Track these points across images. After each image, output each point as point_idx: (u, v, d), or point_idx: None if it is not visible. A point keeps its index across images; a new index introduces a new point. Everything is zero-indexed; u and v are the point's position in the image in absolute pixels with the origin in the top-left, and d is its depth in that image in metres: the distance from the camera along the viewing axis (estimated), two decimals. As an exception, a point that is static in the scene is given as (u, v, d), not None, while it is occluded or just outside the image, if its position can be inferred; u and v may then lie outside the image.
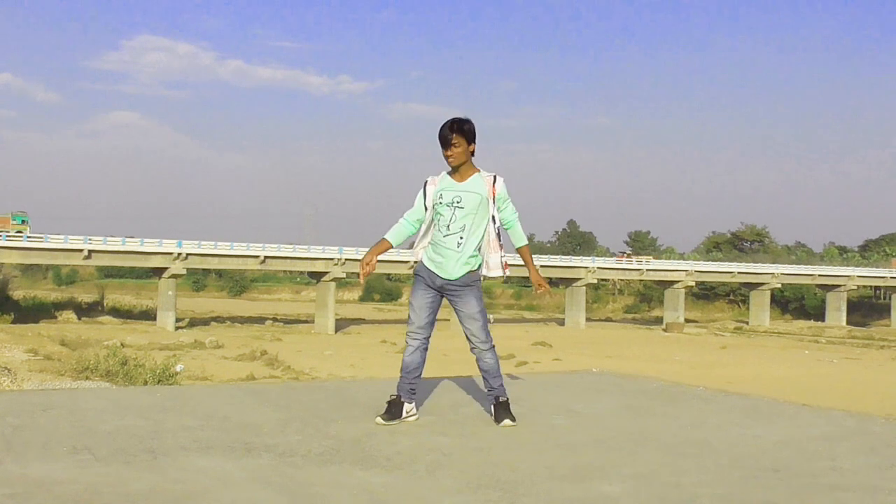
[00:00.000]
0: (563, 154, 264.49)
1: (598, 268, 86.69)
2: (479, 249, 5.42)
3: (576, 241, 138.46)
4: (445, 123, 5.32)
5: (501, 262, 5.46)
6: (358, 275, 5.59)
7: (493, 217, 5.39)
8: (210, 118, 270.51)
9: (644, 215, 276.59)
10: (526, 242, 5.63)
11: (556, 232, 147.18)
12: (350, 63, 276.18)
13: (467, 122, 5.33)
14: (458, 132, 5.28)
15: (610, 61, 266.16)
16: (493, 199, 5.38)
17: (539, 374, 7.83)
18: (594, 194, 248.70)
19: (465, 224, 5.34)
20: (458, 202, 5.33)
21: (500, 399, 5.49)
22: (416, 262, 5.58)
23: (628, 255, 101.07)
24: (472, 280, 5.42)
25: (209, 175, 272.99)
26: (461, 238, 5.35)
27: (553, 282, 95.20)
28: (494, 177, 5.42)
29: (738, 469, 4.29)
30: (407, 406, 5.48)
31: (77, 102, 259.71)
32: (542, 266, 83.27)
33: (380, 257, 5.48)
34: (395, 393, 5.49)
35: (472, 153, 5.39)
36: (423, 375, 5.63)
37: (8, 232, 67.25)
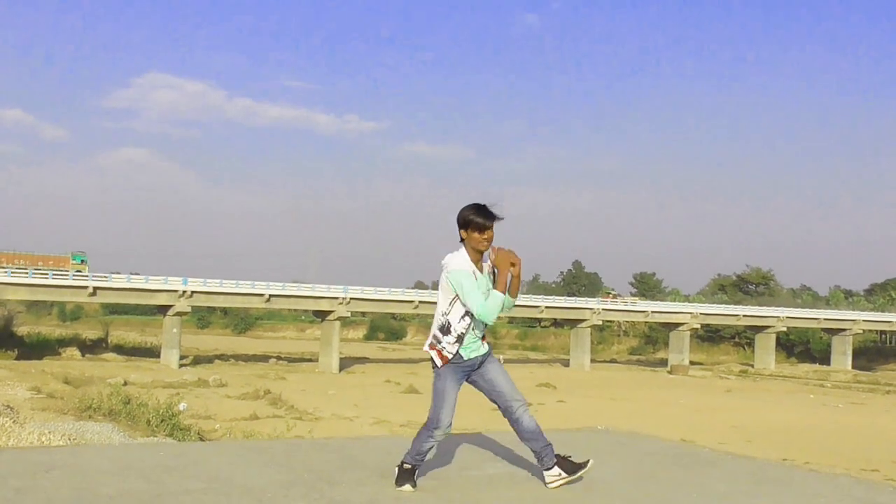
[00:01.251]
0: (569, 195, 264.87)
1: (604, 309, 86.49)
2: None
3: (581, 282, 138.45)
4: (481, 206, 5.21)
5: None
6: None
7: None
8: (218, 156, 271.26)
9: (649, 257, 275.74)
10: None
11: (562, 273, 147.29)
12: (358, 103, 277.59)
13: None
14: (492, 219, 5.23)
15: (618, 103, 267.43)
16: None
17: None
18: (600, 235, 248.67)
19: None
20: (488, 290, 5.30)
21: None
22: (447, 355, 5.31)
23: (614, 296, 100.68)
24: (489, 348, 5.58)
25: (216, 213, 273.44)
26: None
27: (558, 323, 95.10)
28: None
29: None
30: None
31: (85, 139, 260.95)
32: (547, 307, 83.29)
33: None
34: (410, 463, 5.44)
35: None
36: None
37: (69, 272, 68.59)
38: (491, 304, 5.14)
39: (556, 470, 5.44)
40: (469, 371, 5.39)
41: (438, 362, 5.28)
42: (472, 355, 5.33)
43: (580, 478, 5.40)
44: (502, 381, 5.50)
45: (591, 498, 5.31)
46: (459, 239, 5.26)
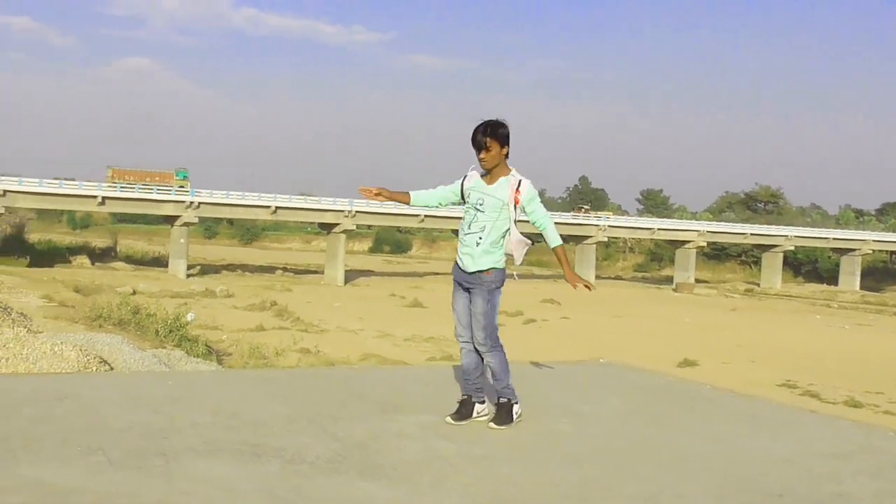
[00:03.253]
0: (576, 109, 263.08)
1: (610, 226, 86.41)
2: (496, 252, 5.49)
3: (587, 197, 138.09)
4: (479, 127, 5.38)
5: (522, 246, 5.60)
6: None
7: (514, 221, 5.49)
8: (222, 66, 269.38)
9: (657, 173, 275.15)
10: (560, 243, 5.71)
11: (568, 188, 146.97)
12: (365, 13, 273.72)
13: (502, 125, 5.41)
14: (491, 136, 5.36)
15: (624, 13, 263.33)
16: (515, 204, 5.45)
17: (545, 366, 7.86)
18: (607, 151, 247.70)
19: (484, 226, 5.45)
20: (479, 204, 5.46)
21: (501, 400, 5.57)
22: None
23: (586, 210, 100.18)
24: (483, 280, 5.47)
25: (221, 123, 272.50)
26: (480, 238, 5.46)
27: (563, 238, 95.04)
28: (520, 181, 5.47)
29: (742, 492, 4.33)
30: (479, 407, 5.65)
31: (93, 47, 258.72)
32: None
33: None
34: (465, 393, 5.65)
35: (507, 156, 5.48)
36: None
37: (172, 187, 69.75)
38: (430, 190, 5.69)
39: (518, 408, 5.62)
40: (462, 283, 5.57)
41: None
42: (458, 265, 5.58)
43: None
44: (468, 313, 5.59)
45: (588, 435, 5.41)
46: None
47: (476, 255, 5.46)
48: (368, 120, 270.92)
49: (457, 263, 5.57)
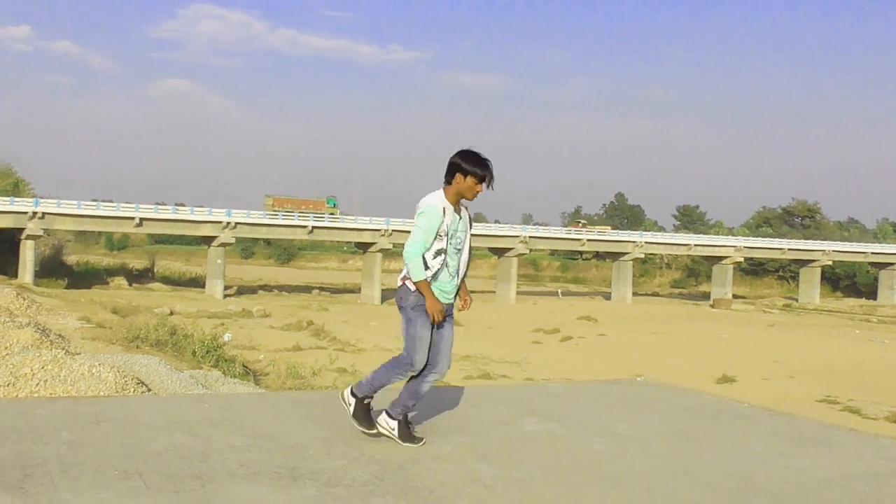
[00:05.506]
0: (612, 125, 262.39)
1: (646, 242, 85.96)
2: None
3: (624, 214, 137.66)
4: (483, 159, 5.30)
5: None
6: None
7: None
8: (261, 86, 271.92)
9: (693, 189, 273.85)
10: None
11: (604, 205, 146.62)
12: (401, 32, 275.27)
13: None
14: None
15: (660, 31, 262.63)
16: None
17: (582, 385, 7.81)
18: (644, 167, 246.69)
19: (460, 267, 5.48)
20: (459, 248, 5.42)
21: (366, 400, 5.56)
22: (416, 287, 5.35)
23: (583, 225, 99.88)
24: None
25: (259, 144, 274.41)
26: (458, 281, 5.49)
27: (600, 255, 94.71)
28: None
29: (780, 513, 4.27)
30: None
31: (132, 70, 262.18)
32: (588, 240, 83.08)
33: None
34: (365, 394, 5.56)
35: None
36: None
37: (324, 215, 72.56)
38: (416, 262, 5.26)
39: (393, 424, 5.46)
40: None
41: (411, 287, 5.32)
42: (442, 299, 5.37)
43: (400, 443, 5.41)
44: (446, 343, 5.50)
45: (627, 456, 5.36)
46: (445, 180, 5.33)
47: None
48: (407, 136, 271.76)
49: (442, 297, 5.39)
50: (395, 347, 37.64)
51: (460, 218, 5.38)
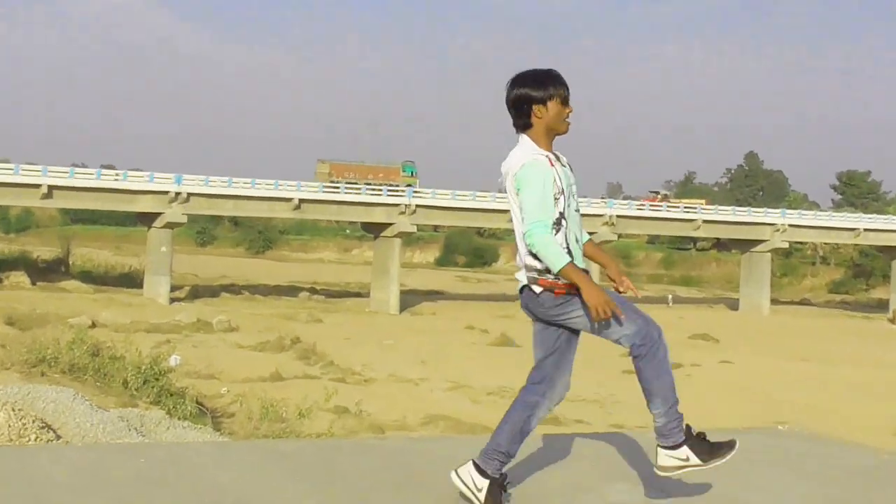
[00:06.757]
0: (739, 60, 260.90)
1: (791, 225, 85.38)
2: None
3: (757, 183, 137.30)
4: (553, 71, 5.43)
5: None
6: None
7: None
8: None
9: (859, 149, 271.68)
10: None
11: (729, 170, 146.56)
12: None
13: None
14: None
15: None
16: None
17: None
18: (786, 119, 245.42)
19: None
20: (579, 208, 5.53)
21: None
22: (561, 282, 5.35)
23: (663, 198, 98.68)
24: None
25: (224, 81, 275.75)
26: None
27: (722, 244, 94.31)
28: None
29: None
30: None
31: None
32: (705, 221, 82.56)
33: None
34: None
35: None
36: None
37: (398, 185, 74.21)
38: (549, 242, 5.20)
39: (483, 483, 5.43)
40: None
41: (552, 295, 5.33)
42: None
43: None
44: (573, 358, 5.60)
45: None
46: (520, 126, 5.42)
47: None
48: (441, 68, 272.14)
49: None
50: (419, 377, 37.85)
51: (564, 166, 5.43)
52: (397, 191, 74.58)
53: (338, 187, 73.34)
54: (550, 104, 5.30)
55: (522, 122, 5.34)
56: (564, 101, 5.36)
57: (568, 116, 5.40)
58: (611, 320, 5.24)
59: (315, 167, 78.71)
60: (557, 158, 5.38)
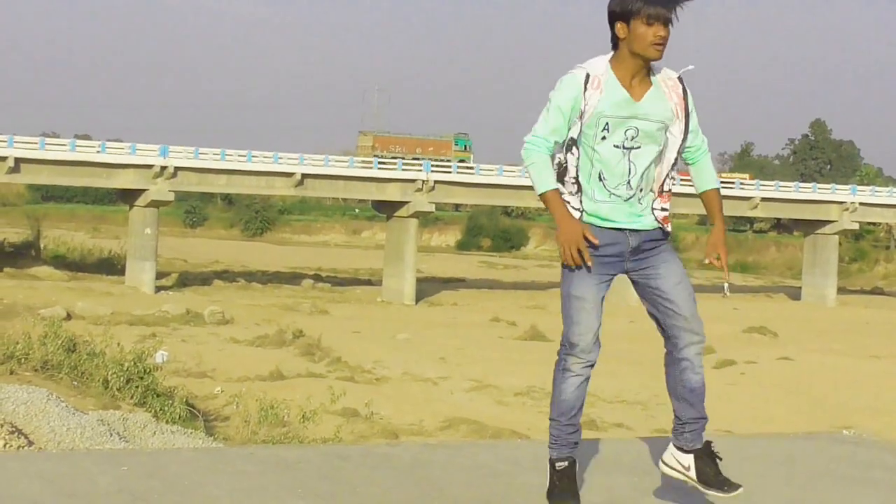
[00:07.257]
0: (806, 15, 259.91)
1: (862, 203, 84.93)
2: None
3: (825, 156, 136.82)
4: None
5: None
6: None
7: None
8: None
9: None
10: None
11: (792, 141, 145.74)
12: None
13: None
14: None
15: None
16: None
17: (748, 441, 7.73)
18: (856, 78, 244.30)
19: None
20: (633, 145, 5.36)
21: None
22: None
23: (751, 176, 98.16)
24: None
25: (220, 36, 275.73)
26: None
27: (782, 225, 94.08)
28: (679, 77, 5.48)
29: None
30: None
31: None
32: (763, 199, 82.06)
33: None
34: (563, 455, 5.59)
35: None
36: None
37: (449, 160, 73.91)
38: (534, 160, 5.28)
39: (689, 461, 5.47)
40: (611, 256, 5.41)
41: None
42: (604, 220, 5.36)
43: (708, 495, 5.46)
44: (678, 288, 5.48)
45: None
46: (613, 44, 5.35)
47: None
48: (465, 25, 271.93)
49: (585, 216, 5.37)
50: (439, 375, 37.94)
51: (645, 96, 5.34)
52: (448, 167, 74.48)
53: (381, 160, 72.97)
54: (634, 23, 5.13)
55: (613, 41, 5.29)
56: (651, 20, 5.13)
57: (660, 41, 5.17)
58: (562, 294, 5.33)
59: (358, 140, 78.23)
60: (637, 85, 5.29)
